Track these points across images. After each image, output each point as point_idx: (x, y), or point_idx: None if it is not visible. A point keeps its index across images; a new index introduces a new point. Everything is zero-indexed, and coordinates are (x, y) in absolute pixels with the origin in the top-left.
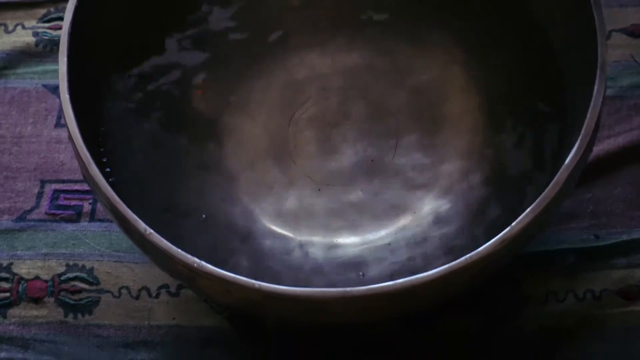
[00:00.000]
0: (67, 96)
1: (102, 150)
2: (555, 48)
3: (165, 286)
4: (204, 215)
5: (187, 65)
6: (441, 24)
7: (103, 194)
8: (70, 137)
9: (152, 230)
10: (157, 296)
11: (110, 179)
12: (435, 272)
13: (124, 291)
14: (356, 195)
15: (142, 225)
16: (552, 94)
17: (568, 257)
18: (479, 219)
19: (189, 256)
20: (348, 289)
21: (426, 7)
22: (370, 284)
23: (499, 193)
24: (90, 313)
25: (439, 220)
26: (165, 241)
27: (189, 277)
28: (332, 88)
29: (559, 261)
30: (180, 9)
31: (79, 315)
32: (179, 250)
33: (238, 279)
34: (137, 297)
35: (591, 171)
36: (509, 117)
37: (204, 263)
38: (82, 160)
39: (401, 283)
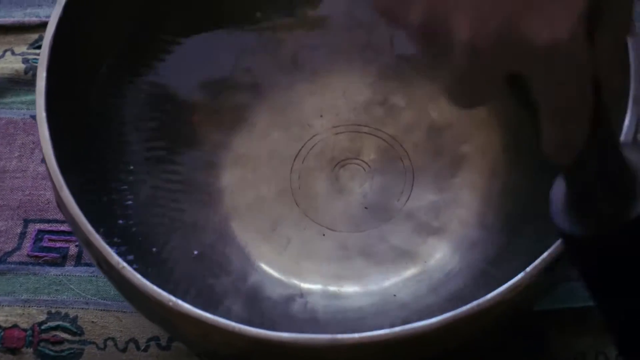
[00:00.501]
0: (44, 114)
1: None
2: None
3: (155, 338)
4: (195, 252)
5: (182, 88)
6: None
7: (74, 221)
8: (43, 159)
9: (125, 264)
10: (145, 349)
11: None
12: (437, 321)
13: (109, 343)
14: (363, 240)
15: (115, 258)
16: None
17: (598, 315)
18: (495, 268)
19: (164, 293)
20: (339, 335)
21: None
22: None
23: (518, 240)
24: None
25: (451, 269)
26: (138, 276)
27: (164, 317)
28: (342, 124)
29: (590, 319)
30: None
31: None
32: (154, 286)
33: (217, 321)
34: (124, 350)
35: None
36: (533, 159)
37: (180, 302)
38: (54, 182)
39: (398, 331)
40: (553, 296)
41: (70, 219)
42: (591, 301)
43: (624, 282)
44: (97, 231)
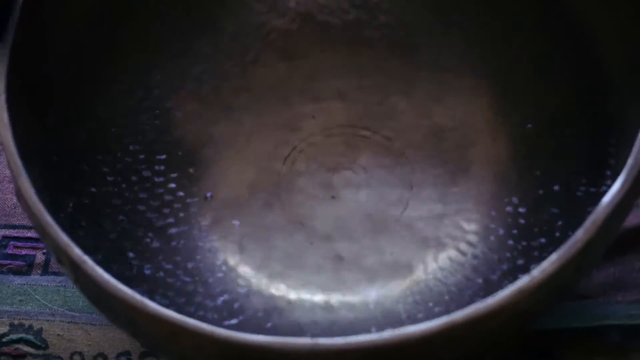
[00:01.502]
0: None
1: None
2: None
3: (126, 353)
4: (170, 257)
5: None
6: (469, 55)
7: (32, 213)
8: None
9: (87, 259)
10: None
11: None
12: (428, 327)
13: (76, 357)
14: (356, 251)
15: (76, 252)
16: (601, 149)
17: (613, 335)
18: (499, 284)
19: (128, 290)
20: (321, 340)
21: (453, 35)
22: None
23: (525, 251)
24: None
25: (451, 284)
26: (101, 271)
27: (128, 318)
28: (337, 125)
29: (603, 339)
30: None
31: None
32: (117, 283)
33: (186, 321)
34: None
35: None
36: (542, 167)
37: (146, 300)
38: (12, 169)
39: (385, 337)
40: (564, 314)
41: (27, 209)
42: (606, 320)
43: None
44: (58, 222)
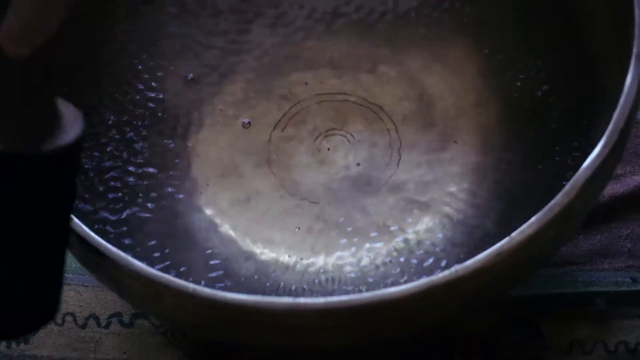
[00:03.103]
0: None
1: None
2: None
3: (118, 315)
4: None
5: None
6: (458, 25)
7: None
8: None
9: (73, 217)
10: (106, 326)
11: None
12: (409, 287)
13: (68, 318)
14: (342, 213)
15: None
16: (583, 116)
17: (599, 302)
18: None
19: (115, 249)
20: (301, 299)
21: (443, 6)
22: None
23: (509, 218)
24: (26, 342)
25: (435, 248)
26: (89, 231)
27: (114, 277)
28: (327, 92)
29: (588, 306)
30: None
31: (13, 345)
32: (103, 241)
33: (169, 280)
34: (84, 326)
35: (630, 203)
36: (529, 135)
37: (131, 259)
38: None
39: (364, 298)
40: (550, 280)
41: None
42: (592, 287)
43: None
44: None
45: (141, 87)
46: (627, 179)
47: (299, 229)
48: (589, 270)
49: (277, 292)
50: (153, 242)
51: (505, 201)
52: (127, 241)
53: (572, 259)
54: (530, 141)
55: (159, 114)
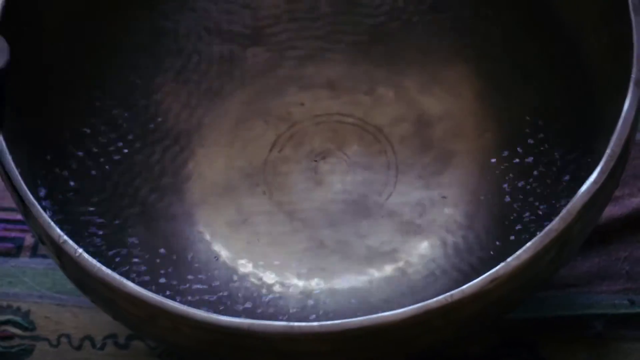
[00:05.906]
0: None
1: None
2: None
3: (113, 336)
4: (157, 244)
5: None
6: (457, 48)
7: (15, 194)
8: None
9: (66, 238)
10: (102, 347)
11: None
12: (403, 312)
13: (63, 340)
14: (338, 237)
15: (56, 232)
16: (583, 142)
17: (596, 324)
18: (478, 270)
19: (108, 271)
20: (295, 324)
21: (442, 28)
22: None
23: (506, 242)
24: None
25: (432, 272)
26: (83, 253)
27: (109, 299)
28: (325, 113)
29: (586, 329)
30: None
31: None
32: (97, 263)
33: (163, 302)
34: (79, 348)
35: (628, 225)
36: (526, 160)
37: (125, 281)
38: None
39: (360, 321)
40: (549, 303)
41: (9, 186)
42: (590, 309)
43: None
44: (40, 204)
45: (145, 108)
46: (626, 201)
47: (294, 251)
48: (587, 292)
49: (271, 316)
50: (147, 264)
51: (503, 225)
52: (121, 263)
53: (570, 281)
54: (528, 165)
55: (157, 135)
